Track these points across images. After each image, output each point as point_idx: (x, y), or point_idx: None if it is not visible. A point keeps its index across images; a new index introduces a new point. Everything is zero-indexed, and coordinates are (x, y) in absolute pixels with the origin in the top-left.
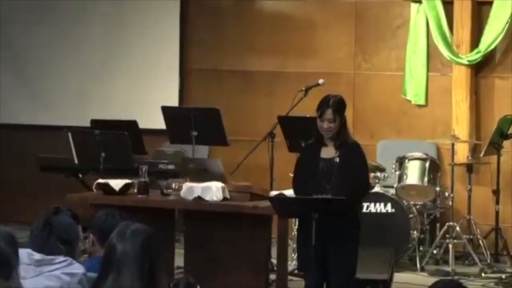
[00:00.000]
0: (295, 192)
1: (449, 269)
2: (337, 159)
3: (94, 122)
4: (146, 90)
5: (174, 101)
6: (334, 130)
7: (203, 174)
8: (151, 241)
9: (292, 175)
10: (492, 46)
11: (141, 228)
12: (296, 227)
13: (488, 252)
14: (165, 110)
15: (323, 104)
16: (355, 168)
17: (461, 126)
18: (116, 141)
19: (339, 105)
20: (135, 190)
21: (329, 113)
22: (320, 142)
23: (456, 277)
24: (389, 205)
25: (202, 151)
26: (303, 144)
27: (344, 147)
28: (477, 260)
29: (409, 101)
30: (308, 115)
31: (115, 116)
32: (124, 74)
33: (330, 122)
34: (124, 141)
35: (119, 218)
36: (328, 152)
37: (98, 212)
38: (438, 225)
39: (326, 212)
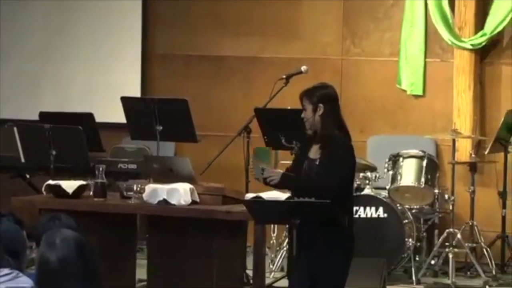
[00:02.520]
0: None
1: (449, 281)
2: (318, 161)
3: (43, 115)
4: (103, 78)
5: (135, 91)
6: (310, 120)
7: (169, 174)
8: (86, 244)
9: None
10: (499, 28)
11: (70, 233)
12: (275, 234)
13: (493, 263)
14: (125, 101)
15: None
16: (325, 164)
17: (463, 119)
18: (69, 136)
19: (310, 91)
20: (91, 193)
21: (301, 100)
22: (312, 138)
23: None
24: (380, 209)
25: (167, 148)
26: (283, 140)
27: (327, 145)
28: (480, 271)
29: (404, 91)
30: (289, 107)
31: (67, 108)
32: (78, 59)
33: (304, 110)
34: (78, 137)
35: (65, 222)
36: (314, 151)
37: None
38: (436, 232)
39: (308, 218)
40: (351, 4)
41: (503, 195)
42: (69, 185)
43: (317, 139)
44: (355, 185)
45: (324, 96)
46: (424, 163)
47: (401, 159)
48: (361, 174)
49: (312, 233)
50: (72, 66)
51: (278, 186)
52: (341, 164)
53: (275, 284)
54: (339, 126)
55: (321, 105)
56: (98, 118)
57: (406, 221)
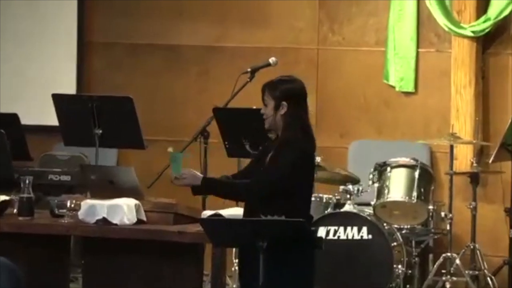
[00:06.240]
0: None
1: None
2: None
3: None
4: (30, 71)
5: (70, 87)
6: (269, 119)
7: (109, 187)
8: (20, 276)
9: None
10: (506, 12)
11: (3, 262)
12: (237, 259)
13: None
14: (58, 99)
15: None
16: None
17: (462, 121)
18: None
19: (274, 84)
20: (15, 210)
21: (263, 93)
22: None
23: None
24: (364, 229)
25: (108, 156)
26: (247, 147)
27: (281, 148)
28: None
29: (393, 87)
30: (254, 107)
31: None
32: None
33: (265, 105)
34: (0, 142)
35: None
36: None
37: None
38: (431, 256)
39: (278, 240)
40: None
41: (510, 212)
42: None
43: (276, 143)
44: (334, 200)
45: (289, 92)
46: (416, 173)
47: (388, 169)
48: (341, 187)
49: (278, 257)
50: None
51: (196, 190)
52: (284, 167)
53: None
54: (304, 131)
55: (284, 102)
56: (24, 120)
57: (395, 243)
